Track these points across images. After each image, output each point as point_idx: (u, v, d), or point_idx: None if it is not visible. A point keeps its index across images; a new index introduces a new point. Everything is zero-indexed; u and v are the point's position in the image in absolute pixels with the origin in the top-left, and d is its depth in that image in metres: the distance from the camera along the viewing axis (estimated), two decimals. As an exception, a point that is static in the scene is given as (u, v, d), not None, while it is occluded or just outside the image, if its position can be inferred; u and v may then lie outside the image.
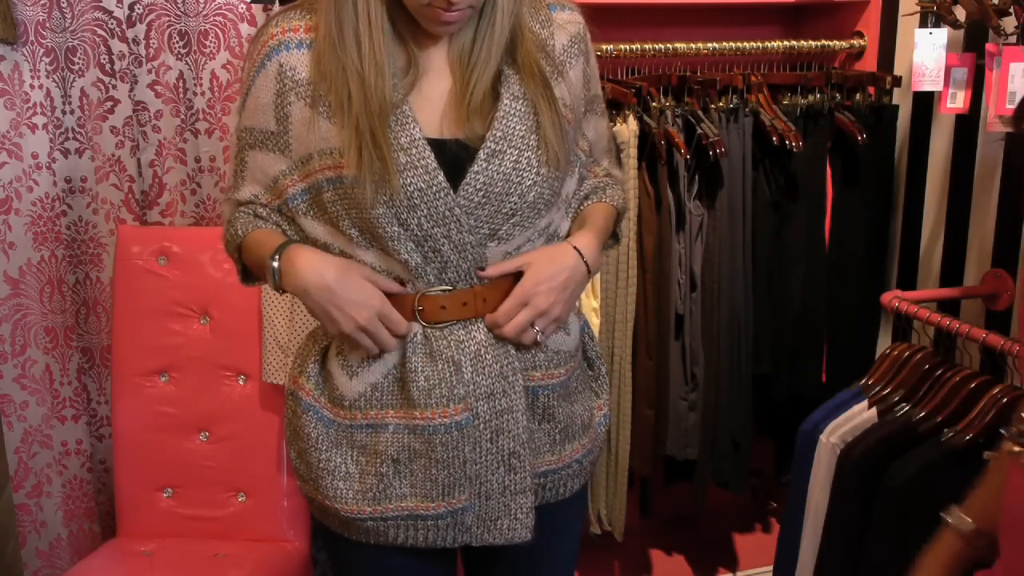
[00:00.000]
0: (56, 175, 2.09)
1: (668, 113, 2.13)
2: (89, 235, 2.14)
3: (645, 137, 2.09)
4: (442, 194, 1.17)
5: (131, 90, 2.07)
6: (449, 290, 1.22)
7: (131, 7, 2.03)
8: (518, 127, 1.20)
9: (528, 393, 1.28)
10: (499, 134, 1.19)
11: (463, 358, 1.23)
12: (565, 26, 1.29)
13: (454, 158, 1.19)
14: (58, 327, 2.16)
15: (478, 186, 1.18)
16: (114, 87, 2.06)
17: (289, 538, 2.08)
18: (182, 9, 2.06)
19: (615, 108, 2.11)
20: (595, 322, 2.09)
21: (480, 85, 1.20)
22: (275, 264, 1.22)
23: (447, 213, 1.17)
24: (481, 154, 1.19)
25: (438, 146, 1.18)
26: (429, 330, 1.23)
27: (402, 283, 1.22)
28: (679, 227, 2.13)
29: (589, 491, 2.22)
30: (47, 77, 2.04)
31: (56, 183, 2.09)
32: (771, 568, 2.06)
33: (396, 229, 1.18)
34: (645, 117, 2.12)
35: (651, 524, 2.46)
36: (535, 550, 1.31)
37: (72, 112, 2.06)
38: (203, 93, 2.11)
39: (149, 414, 2.04)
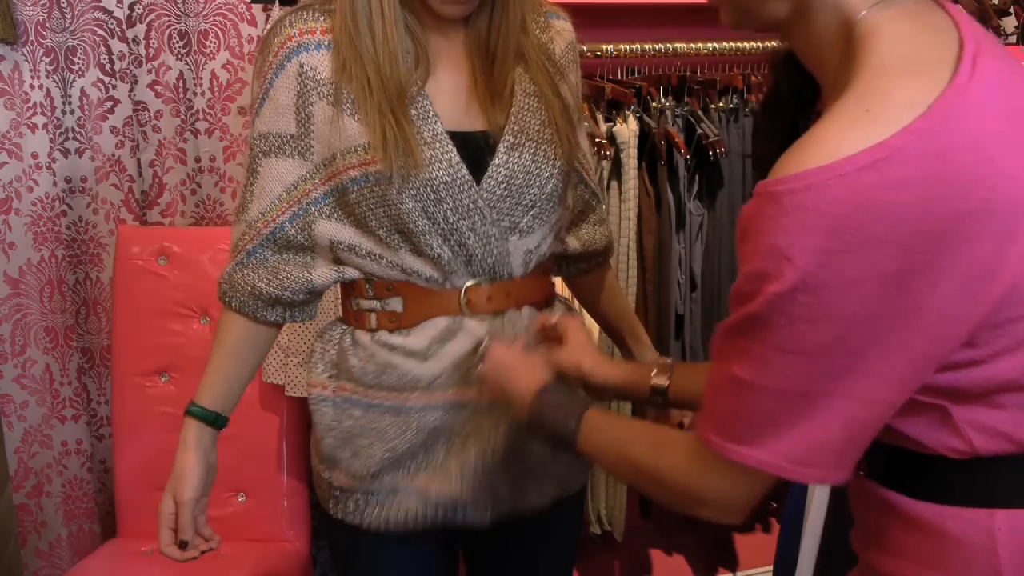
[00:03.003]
0: (56, 175, 2.09)
1: (668, 113, 2.13)
2: (89, 235, 2.14)
3: (645, 137, 2.09)
4: (466, 187, 1.18)
5: (131, 90, 2.07)
6: (490, 282, 1.24)
7: (131, 7, 2.03)
8: (533, 121, 1.22)
9: None
10: (516, 127, 1.21)
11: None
12: (561, 33, 1.32)
13: (474, 150, 1.20)
14: (58, 327, 2.16)
15: (500, 179, 1.20)
16: (114, 87, 2.06)
17: (289, 538, 2.08)
18: (182, 9, 2.06)
19: (615, 108, 2.11)
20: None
21: (502, 77, 1.22)
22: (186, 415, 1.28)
23: (471, 206, 1.19)
24: (501, 147, 1.20)
25: (459, 138, 1.19)
26: (471, 322, 1.24)
27: (437, 282, 1.23)
28: (679, 227, 2.13)
29: (589, 491, 2.23)
30: (47, 77, 2.04)
31: (56, 183, 2.09)
32: (771, 568, 2.06)
33: (425, 223, 1.18)
34: (645, 117, 2.12)
35: (651, 524, 2.46)
36: (535, 545, 1.32)
37: (72, 112, 2.06)
38: (203, 93, 2.11)
39: (149, 414, 2.04)
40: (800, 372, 0.78)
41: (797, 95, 0.89)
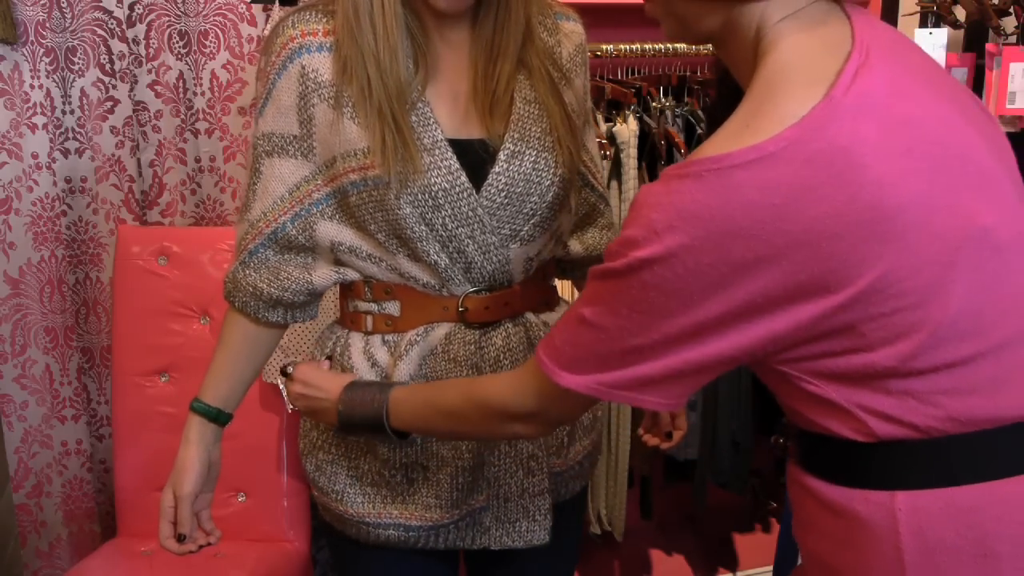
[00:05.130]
0: (56, 175, 2.09)
1: (668, 113, 2.13)
2: (89, 235, 2.14)
3: (645, 137, 2.09)
4: (465, 194, 1.17)
5: (131, 90, 2.07)
6: (488, 291, 1.23)
7: (131, 7, 2.03)
8: (534, 128, 1.21)
9: None
10: (516, 135, 1.20)
11: (483, 364, 1.24)
12: (570, 35, 1.30)
13: (475, 158, 1.20)
14: (58, 327, 2.16)
15: (500, 187, 1.19)
16: (114, 87, 2.06)
17: (289, 538, 2.08)
18: (182, 9, 2.06)
19: (615, 108, 2.11)
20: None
21: (504, 76, 1.21)
22: (191, 410, 1.30)
23: (470, 213, 1.18)
24: (501, 155, 1.19)
25: (459, 146, 1.19)
26: (459, 332, 1.24)
27: (434, 288, 1.23)
28: (679, 227, 2.12)
29: (589, 491, 2.22)
30: (47, 77, 2.04)
31: (56, 183, 2.09)
32: (771, 568, 2.06)
33: (423, 229, 1.18)
34: (645, 117, 2.12)
35: (651, 524, 2.46)
36: (537, 550, 1.32)
37: (72, 112, 2.06)
38: (203, 93, 2.11)
39: (149, 414, 2.04)
40: (641, 329, 0.86)
41: (730, 104, 0.95)
